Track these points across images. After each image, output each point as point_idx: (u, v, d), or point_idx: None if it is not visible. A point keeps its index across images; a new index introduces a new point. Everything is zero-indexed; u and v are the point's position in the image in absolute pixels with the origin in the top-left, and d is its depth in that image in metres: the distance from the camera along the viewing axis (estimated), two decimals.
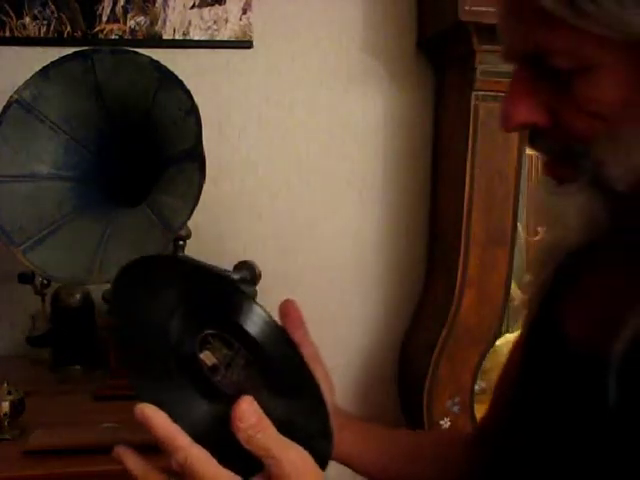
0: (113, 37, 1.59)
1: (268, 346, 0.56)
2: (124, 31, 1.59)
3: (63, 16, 1.56)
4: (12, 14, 1.55)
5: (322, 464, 0.54)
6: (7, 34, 1.55)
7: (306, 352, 0.63)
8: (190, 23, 1.61)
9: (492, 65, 1.41)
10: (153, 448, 0.52)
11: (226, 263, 1.29)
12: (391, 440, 0.80)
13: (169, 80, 1.17)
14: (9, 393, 1.11)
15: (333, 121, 1.70)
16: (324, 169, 1.72)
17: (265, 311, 0.58)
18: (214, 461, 0.50)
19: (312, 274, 1.74)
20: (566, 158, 0.54)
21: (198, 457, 0.49)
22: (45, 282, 1.44)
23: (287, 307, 0.66)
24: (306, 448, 0.52)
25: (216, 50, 1.64)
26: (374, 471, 0.78)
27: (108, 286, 1.17)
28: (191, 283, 0.58)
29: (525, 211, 1.62)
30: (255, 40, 1.64)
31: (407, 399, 1.74)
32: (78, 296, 1.44)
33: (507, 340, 1.64)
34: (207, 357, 0.55)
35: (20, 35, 1.56)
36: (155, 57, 1.19)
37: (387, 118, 1.72)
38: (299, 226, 1.73)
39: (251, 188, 1.70)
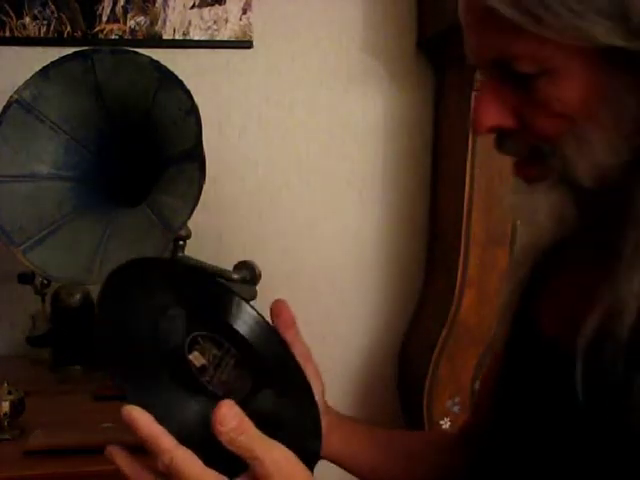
0: (113, 37, 1.59)
1: (259, 346, 0.57)
2: (124, 31, 1.59)
3: (63, 16, 1.56)
4: (12, 14, 1.55)
5: (311, 463, 0.54)
6: (7, 34, 1.55)
7: (297, 352, 0.64)
8: (190, 23, 1.61)
9: None
10: None
11: (226, 263, 1.29)
12: (382, 440, 0.80)
13: (169, 80, 1.17)
14: (9, 393, 1.11)
15: (333, 121, 1.70)
16: (324, 169, 1.72)
17: (256, 311, 0.58)
18: (199, 462, 0.50)
19: (312, 274, 1.74)
20: (534, 158, 0.56)
21: (183, 458, 0.50)
22: (45, 282, 1.44)
23: (278, 307, 0.66)
24: (295, 447, 0.52)
25: (216, 50, 1.64)
26: (365, 471, 0.78)
27: None
28: (182, 284, 0.58)
29: None
30: (255, 40, 1.64)
31: (407, 399, 1.74)
32: (78, 296, 1.44)
33: None
34: (196, 358, 0.55)
35: (20, 35, 1.56)
36: (155, 57, 1.19)
37: (387, 118, 1.72)
38: (299, 226, 1.73)
39: (251, 188, 1.70)
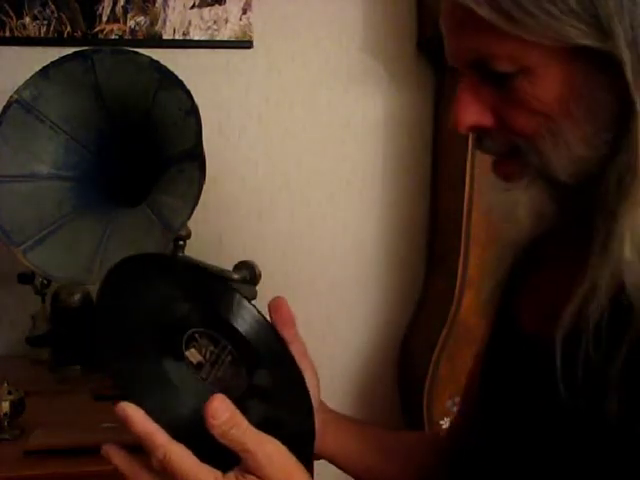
0: (113, 37, 1.59)
1: (256, 343, 0.57)
2: (124, 31, 1.59)
3: (63, 16, 1.56)
4: (12, 14, 1.55)
5: (306, 459, 0.54)
6: (7, 34, 1.55)
7: (295, 349, 0.64)
8: (190, 23, 1.61)
9: None
10: None
11: (226, 263, 1.29)
12: (377, 439, 0.80)
13: (169, 80, 1.17)
14: (9, 393, 1.11)
15: (333, 121, 1.70)
16: (324, 169, 1.72)
17: (255, 308, 0.58)
18: (193, 457, 0.51)
19: (312, 274, 1.74)
20: (513, 156, 0.58)
21: (177, 453, 0.50)
22: (45, 282, 1.44)
23: (277, 304, 0.66)
24: (290, 443, 0.53)
25: (216, 50, 1.64)
26: (359, 470, 0.79)
27: None
28: (181, 280, 0.58)
29: None
30: (255, 40, 1.64)
31: (407, 399, 1.74)
32: (78, 296, 1.44)
33: None
34: (192, 355, 0.55)
35: (20, 35, 1.56)
36: (155, 57, 1.19)
37: (387, 118, 1.72)
38: (299, 226, 1.73)
39: (251, 188, 1.70)
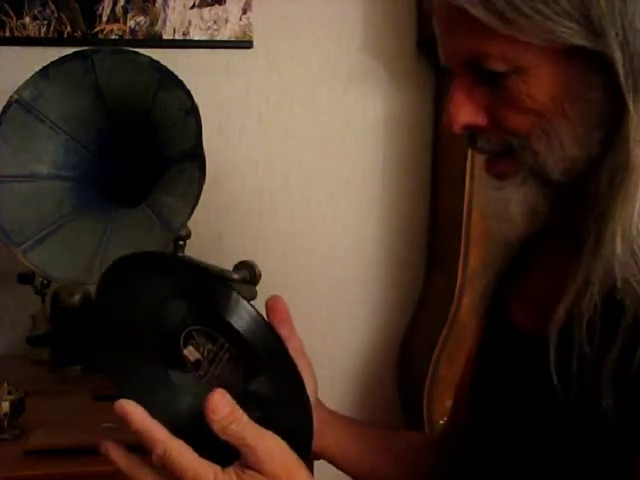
0: (113, 37, 1.59)
1: (253, 341, 0.57)
2: (124, 31, 1.59)
3: (63, 16, 1.57)
4: (12, 14, 1.55)
5: (303, 455, 0.54)
6: (7, 34, 1.55)
7: (292, 347, 0.64)
8: (190, 23, 1.61)
9: None
10: None
11: (226, 263, 1.29)
12: (373, 439, 0.80)
13: (169, 80, 1.17)
14: (9, 393, 1.11)
15: (333, 121, 1.70)
16: (324, 169, 1.72)
17: (252, 306, 0.58)
18: (193, 452, 0.51)
19: (312, 274, 1.74)
20: (506, 154, 0.59)
21: (177, 449, 0.50)
22: (45, 282, 1.44)
23: (274, 302, 0.67)
24: (287, 440, 0.53)
25: (216, 50, 1.64)
26: (356, 469, 0.79)
27: None
28: (179, 278, 0.58)
29: None
30: (255, 40, 1.64)
31: (407, 399, 1.74)
32: (78, 296, 1.44)
33: None
34: (190, 352, 0.56)
35: (20, 35, 1.56)
36: (155, 57, 1.19)
37: (387, 118, 1.72)
38: (299, 226, 1.73)
39: (251, 188, 1.70)
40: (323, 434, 0.73)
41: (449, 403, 1.56)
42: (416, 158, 1.75)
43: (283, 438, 0.53)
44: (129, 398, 0.51)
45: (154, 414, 0.51)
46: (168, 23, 1.61)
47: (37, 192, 1.21)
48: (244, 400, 0.53)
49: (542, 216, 0.59)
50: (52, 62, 1.21)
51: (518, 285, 0.70)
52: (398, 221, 1.76)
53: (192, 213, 1.12)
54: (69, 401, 1.29)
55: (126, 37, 1.59)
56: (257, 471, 0.51)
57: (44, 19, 1.56)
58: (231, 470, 0.51)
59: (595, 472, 0.56)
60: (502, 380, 0.67)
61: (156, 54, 1.20)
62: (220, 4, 1.62)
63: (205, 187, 1.13)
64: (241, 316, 0.58)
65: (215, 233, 1.68)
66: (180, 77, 1.17)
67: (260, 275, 1.31)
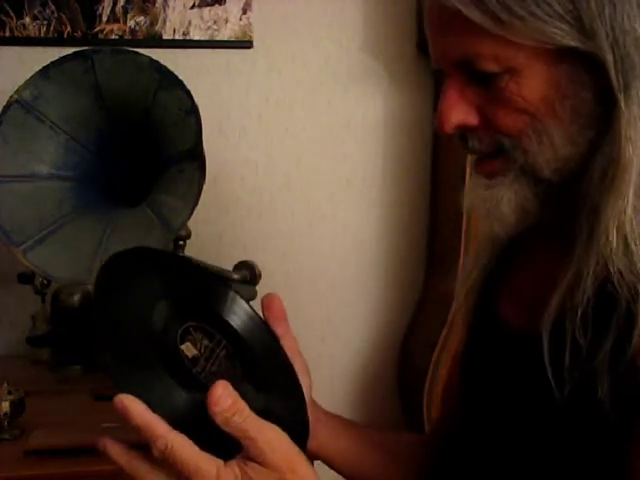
0: (113, 37, 1.59)
1: (250, 338, 0.57)
2: (124, 31, 1.59)
3: (63, 16, 1.56)
4: (12, 14, 1.55)
5: (301, 448, 0.55)
6: (7, 34, 1.55)
7: (287, 345, 0.64)
8: (190, 23, 1.61)
9: None
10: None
11: (226, 263, 1.29)
12: (369, 439, 0.80)
13: (169, 80, 1.17)
14: (9, 393, 1.11)
15: (333, 121, 1.70)
16: (324, 169, 1.72)
17: (248, 304, 0.59)
18: (194, 446, 0.51)
19: (312, 274, 1.74)
20: (497, 153, 0.60)
21: (178, 443, 0.50)
22: (45, 282, 1.44)
23: (270, 300, 0.67)
24: (285, 432, 0.53)
25: (216, 50, 1.64)
26: (352, 470, 0.78)
27: None
28: (176, 275, 0.59)
29: None
30: (255, 40, 1.64)
31: (407, 399, 1.74)
32: (78, 296, 1.44)
33: None
34: (187, 349, 0.56)
35: (20, 35, 1.56)
36: (155, 57, 1.19)
37: (387, 118, 1.72)
38: (299, 226, 1.73)
39: (251, 188, 1.70)
40: (318, 433, 0.73)
41: None
42: (416, 158, 1.75)
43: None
44: (127, 392, 0.51)
45: (153, 410, 0.51)
46: (168, 23, 1.61)
47: (37, 192, 1.21)
48: (240, 396, 0.53)
49: (533, 214, 0.60)
50: (52, 62, 1.21)
51: (506, 282, 0.70)
52: (398, 221, 1.76)
53: (192, 213, 1.13)
54: (69, 401, 1.29)
55: (126, 37, 1.59)
56: (259, 463, 0.51)
57: (44, 19, 1.56)
58: (233, 463, 0.51)
59: (591, 464, 0.56)
60: (492, 376, 0.68)
61: (156, 54, 1.20)
62: (220, 4, 1.62)
63: (205, 187, 1.13)
64: (238, 314, 0.59)
65: (215, 233, 1.68)
66: (180, 77, 1.17)
67: (260, 275, 1.31)
